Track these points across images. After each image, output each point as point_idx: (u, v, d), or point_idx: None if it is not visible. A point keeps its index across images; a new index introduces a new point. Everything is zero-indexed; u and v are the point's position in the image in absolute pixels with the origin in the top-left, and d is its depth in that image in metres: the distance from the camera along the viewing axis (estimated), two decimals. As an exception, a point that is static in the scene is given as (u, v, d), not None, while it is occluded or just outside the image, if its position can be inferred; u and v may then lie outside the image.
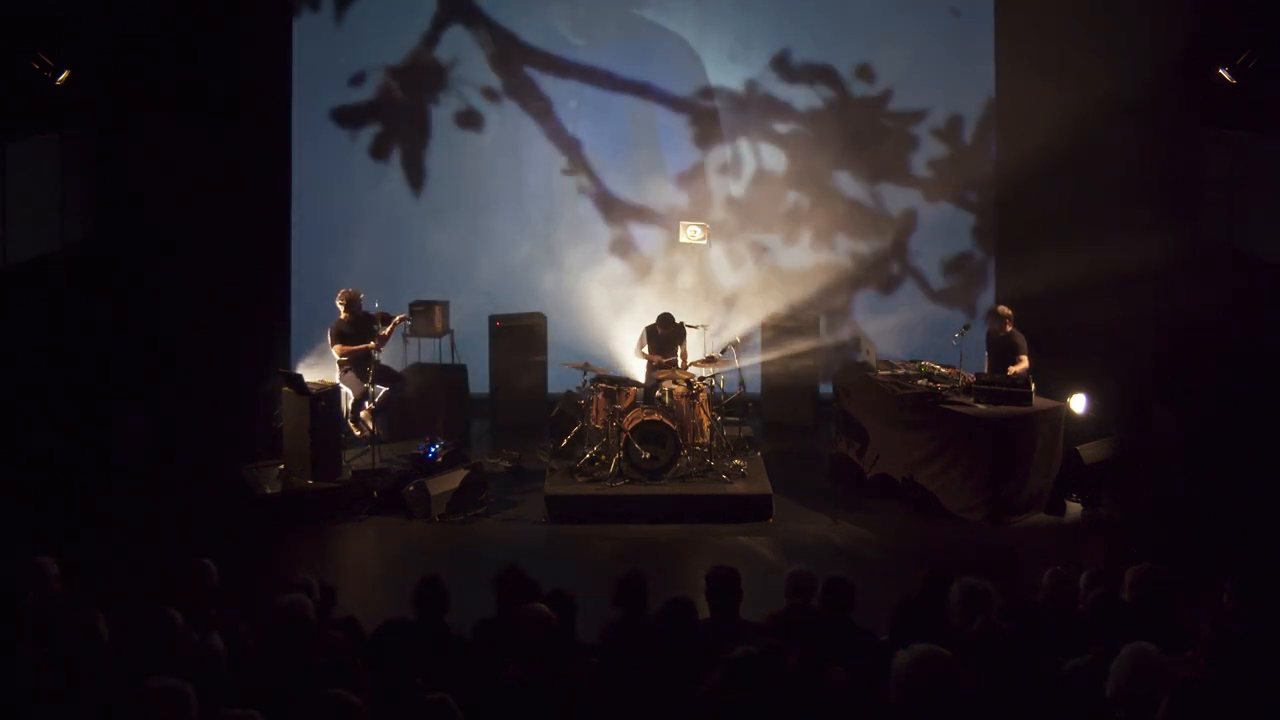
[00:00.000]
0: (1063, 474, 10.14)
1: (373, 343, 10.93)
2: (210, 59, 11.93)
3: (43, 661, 4.41)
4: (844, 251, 12.88)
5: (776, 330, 12.53)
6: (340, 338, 10.94)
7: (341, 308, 10.98)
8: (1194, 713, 3.73)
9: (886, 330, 12.24)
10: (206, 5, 11.94)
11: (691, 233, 12.08)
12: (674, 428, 10.30)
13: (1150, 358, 11.75)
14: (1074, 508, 10.17)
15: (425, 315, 12.02)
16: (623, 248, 12.93)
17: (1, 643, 4.68)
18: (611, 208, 12.95)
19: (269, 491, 10.09)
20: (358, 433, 11.12)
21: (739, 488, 10.28)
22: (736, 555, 9.15)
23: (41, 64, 10.36)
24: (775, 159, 12.86)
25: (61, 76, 10.49)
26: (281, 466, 10.35)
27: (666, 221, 12.81)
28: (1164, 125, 11.89)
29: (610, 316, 12.64)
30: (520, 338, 12.57)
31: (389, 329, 11.13)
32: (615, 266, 12.98)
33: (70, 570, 6.09)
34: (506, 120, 12.88)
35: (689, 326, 11.48)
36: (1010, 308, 11.06)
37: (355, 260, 12.39)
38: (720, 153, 12.91)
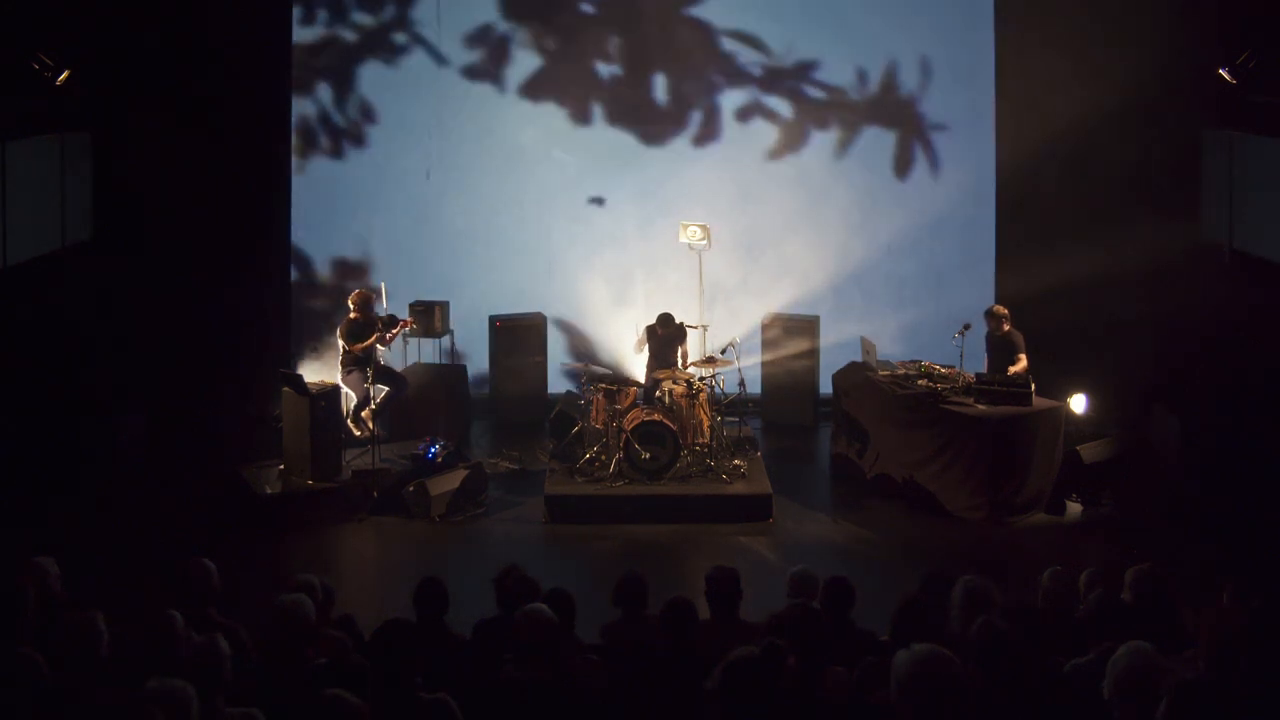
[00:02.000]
0: (1063, 474, 10.15)
1: (377, 341, 11.02)
2: (210, 59, 11.92)
3: (43, 661, 4.40)
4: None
5: (777, 330, 12.54)
6: (351, 336, 11.00)
7: (353, 307, 11.01)
8: (1194, 713, 3.72)
9: (886, 330, 12.21)
10: (206, 5, 11.93)
11: (692, 233, 12.05)
12: (674, 428, 10.29)
13: (1150, 358, 11.74)
14: (1074, 508, 10.18)
15: (425, 315, 12.03)
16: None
17: (1, 643, 4.67)
18: None
19: (269, 491, 10.10)
20: (358, 433, 11.12)
21: (739, 488, 10.28)
22: (736, 555, 9.16)
23: (41, 64, 10.36)
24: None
25: (61, 76, 10.50)
26: (281, 466, 10.36)
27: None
28: (1164, 125, 11.89)
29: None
30: (520, 338, 12.57)
31: (393, 333, 11.18)
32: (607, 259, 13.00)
33: (70, 570, 6.09)
34: None
35: (689, 327, 11.47)
36: (1006, 307, 11.07)
37: (357, 258, 12.41)
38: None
